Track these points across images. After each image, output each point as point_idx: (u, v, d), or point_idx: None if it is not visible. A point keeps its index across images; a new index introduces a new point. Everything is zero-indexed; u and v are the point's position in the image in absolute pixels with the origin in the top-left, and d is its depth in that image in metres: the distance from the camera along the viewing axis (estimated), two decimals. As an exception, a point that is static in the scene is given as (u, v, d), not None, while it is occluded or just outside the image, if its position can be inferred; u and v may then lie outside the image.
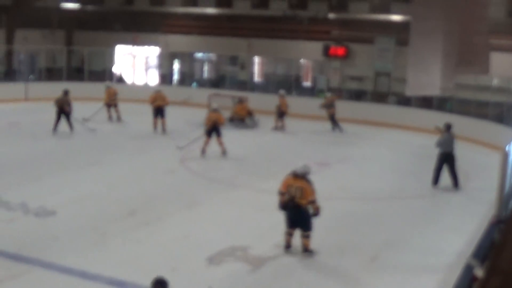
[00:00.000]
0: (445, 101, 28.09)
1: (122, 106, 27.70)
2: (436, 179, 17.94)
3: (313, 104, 29.75)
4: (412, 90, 5.34)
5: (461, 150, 23.82)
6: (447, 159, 17.75)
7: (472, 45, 5.70)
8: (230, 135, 24.90)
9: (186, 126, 26.51)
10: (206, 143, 20.81)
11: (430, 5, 5.19)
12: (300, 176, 12.36)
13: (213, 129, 20.81)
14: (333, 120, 27.12)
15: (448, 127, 18.01)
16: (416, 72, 5.39)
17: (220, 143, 20.78)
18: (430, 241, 13.33)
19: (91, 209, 14.32)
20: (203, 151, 20.72)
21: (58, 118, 23.51)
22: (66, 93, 24.09)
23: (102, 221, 13.47)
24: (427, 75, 5.43)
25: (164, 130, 24.46)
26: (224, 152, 20.77)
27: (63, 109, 23.64)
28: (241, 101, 27.52)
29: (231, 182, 17.52)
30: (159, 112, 24.61)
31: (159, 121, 24.60)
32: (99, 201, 15.09)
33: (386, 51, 31.01)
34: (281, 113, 26.81)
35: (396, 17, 30.22)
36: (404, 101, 28.68)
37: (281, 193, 12.37)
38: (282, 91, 27.50)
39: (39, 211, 13.71)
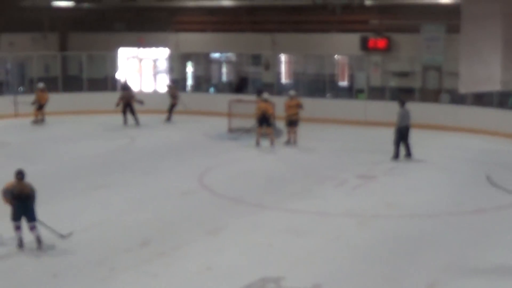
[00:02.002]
0: (507, 96, 27.87)
1: (128, 117, 27.88)
2: (397, 154, 22.50)
3: (352, 107, 29.78)
4: (466, 86, 5.29)
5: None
6: (405, 132, 22.44)
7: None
8: (251, 145, 24.98)
9: (205, 139, 26.59)
10: (259, 134, 24.54)
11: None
12: None
13: (263, 119, 24.41)
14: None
15: (402, 102, 22.87)
16: (471, 64, 5.34)
17: (269, 133, 24.52)
18: (496, 263, 13.19)
19: (97, 240, 14.35)
20: (258, 143, 24.52)
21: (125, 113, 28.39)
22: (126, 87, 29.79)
23: (110, 253, 13.48)
24: (485, 68, 5.37)
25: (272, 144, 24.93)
26: (272, 143, 24.55)
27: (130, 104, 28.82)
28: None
29: (258, 203, 17.48)
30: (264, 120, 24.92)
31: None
32: (107, 230, 15.13)
33: (435, 41, 30.87)
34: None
35: (445, 0, 30.10)
36: (459, 98, 28.51)
37: None
38: (292, 92, 26.76)
39: (35, 246, 13.73)
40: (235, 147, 25.02)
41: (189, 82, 38.32)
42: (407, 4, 32.03)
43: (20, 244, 13.65)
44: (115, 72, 37.47)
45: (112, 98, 30.62)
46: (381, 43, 32.41)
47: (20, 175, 13.77)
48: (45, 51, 36.52)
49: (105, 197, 17.96)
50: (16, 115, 31.10)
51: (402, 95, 23.57)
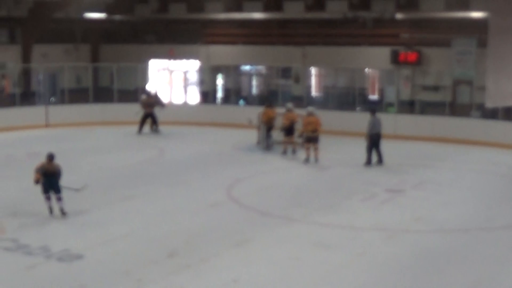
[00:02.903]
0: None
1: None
2: (369, 160, 23.72)
3: (382, 120, 29.67)
4: (493, 100, 5.21)
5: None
6: (377, 139, 23.75)
7: None
8: (280, 157, 24.97)
9: (234, 151, 26.61)
10: (287, 143, 25.60)
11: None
12: None
13: (291, 129, 25.52)
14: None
15: (373, 111, 24.60)
16: (498, 78, 5.26)
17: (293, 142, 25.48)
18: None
19: (123, 251, 14.37)
20: (285, 152, 25.58)
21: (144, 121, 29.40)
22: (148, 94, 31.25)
23: (136, 265, 13.49)
24: (512, 82, 5.29)
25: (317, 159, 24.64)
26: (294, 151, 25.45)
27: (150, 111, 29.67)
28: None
29: (286, 216, 17.42)
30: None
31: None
32: (133, 241, 15.14)
33: (467, 55, 30.66)
34: (289, 130, 25.86)
35: (477, 14, 29.84)
36: (490, 113, 28.27)
37: None
38: (289, 104, 26.86)
39: (63, 255, 13.81)
40: (264, 159, 24.99)
41: (219, 94, 38.36)
42: (438, 18, 31.89)
43: (50, 211, 16.87)
44: (145, 83, 37.64)
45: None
46: (412, 56, 32.26)
47: (50, 157, 17.12)
48: (77, 62, 36.81)
49: (133, 208, 17.99)
50: (47, 125, 31.30)
51: (371, 106, 26.59)
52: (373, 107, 25.94)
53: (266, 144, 26.66)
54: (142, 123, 30.22)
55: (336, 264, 13.66)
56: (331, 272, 13.29)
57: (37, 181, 16.94)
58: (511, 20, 5.62)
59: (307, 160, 24.26)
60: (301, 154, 24.85)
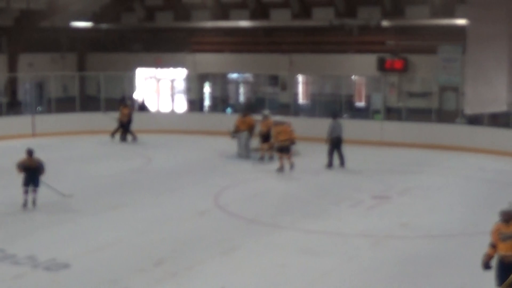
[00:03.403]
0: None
1: (145, 137, 27.98)
2: (330, 163, 24.57)
3: (368, 127, 29.80)
4: (472, 107, 5.29)
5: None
6: (337, 142, 24.48)
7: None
8: (267, 165, 25.04)
9: (221, 159, 26.64)
10: (266, 149, 25.83)
11: (489, 6, 5.17)
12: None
13: (268, 135, 25.57)
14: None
15: (334, 115, 25.57)
16: (477, 85, 5.35)
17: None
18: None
19: (110, 260, 14.38)
20: (262, 158, 25.99)
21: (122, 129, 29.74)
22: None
23: (123, 273, 13.49)
24: (490, 89, 5.38)
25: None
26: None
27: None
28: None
29: (273, 223, 17.46)
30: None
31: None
32: (120, 250, 15.16)
33: (452, 62, 30.82)
34: (266, 137, 26.11)
35: (462, 21, 30.00)
36: (476, 119, 28.41)
37: (492, 246, 11.51)
38: (266, 111, 27.33)
39: (50, 265, 13.80)
40: (251, 167, 25.04)
41: (207, 102, 38.40)
42: (424, 25, 32.04)
43: (25, 204, 18.37)
44: (132, 92, 37.67)
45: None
46: (398, 64, 32.39)
47: (29, 152, 18.70)
48: (64, 71, 36.78)
49: (120, 217, 18.01)
50: (34, 135, 31.26)
51: (333, 110, 28.08)
52: (335, 112, 27.17)
53: (247, 152, 26.64)
54: (121, 130, 30.59)
55: (323, 270, 13.70)
56: (318, 278, 13.33)
57: (19, 171, 18.66)
58: (489, 28, 5.67)
59: (280, 170, 23.78)
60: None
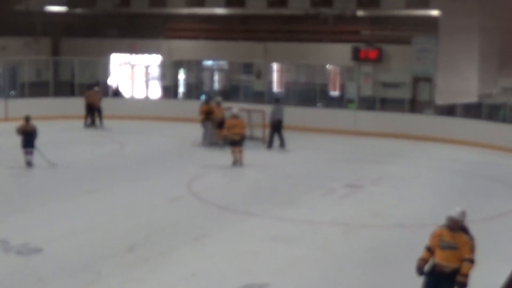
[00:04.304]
0: (497, 108, 27.99)
1: (119, 123, 27.92)
2: (270, 143, 26.20)
3: (342, 117, 29.92)
4: (443, 97, 5.39)
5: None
6: (278, 125, 26.08)
7: (519, 44, 5.74)
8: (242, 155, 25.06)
9: (195, 146, 26.60)
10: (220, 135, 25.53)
11: (461, -2, 5.27)
12: (457, 227, 10.68)
13: (223, 122, 25.05)
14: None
15: (276, 100, 28.04)
16: (448, 76, 5.44)
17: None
18: (482, 275, 13.23)
19: (83, 245, 14.39)
20: (216, 143, 26.19)
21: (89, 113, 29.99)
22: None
23: (96, 259, 13.50)
24: (462, 80, 5.48)
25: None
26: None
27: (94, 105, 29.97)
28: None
29: (246, 210, 17.54)
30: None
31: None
32: (93, 235, 15.15)
33: (426, 53, 30.97)
34: (221, 123, 25.98)
35: (436, 13, 30.16)
36: (448, 110, 28.63)
37: (428, 249, 10.89)
38: (218, 98, 27.90)
39: (22, 249, 13.80)
40: (224, 155, 25.06)
41: (181, 89, 38.32)
42: (399, 15, 32.18)
43: (27, 164, 21.40)
44: (107, 77, 37.52)
45: (103, 104, 30.82)
46: (373, 53, 32.52)
47: (27, 118, 21.74)
48: (37, 56, 36.51)
49: (93, 202, 17.98)
50: (6, 119, 31.07)
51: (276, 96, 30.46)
52: (277, 97, 30.15)
53: (212, 140, 26.62)
54: (91, 115, 30.67)
55: (295, 257, 13.81)
56: (290, 265, 13.43)
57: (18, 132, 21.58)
58: (461, 20, 5.79)
59: (234, 163, 23.09)
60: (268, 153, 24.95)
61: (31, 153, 21.40)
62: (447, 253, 10.47)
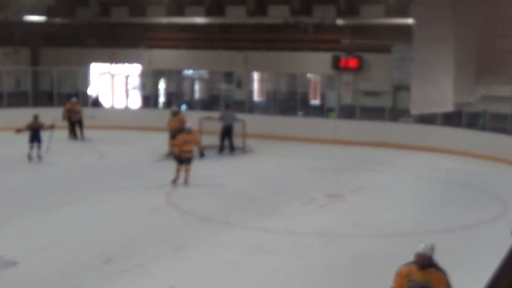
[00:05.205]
0: (476, 117, 28.03)
1: (99, 133, 27.72)
2: (220, 149, 26.79)
3: (322, 125, 29.87)
4: (417, 107, 5.28)
5: (497, 174, 23.86)
6: (227, 130, 26.86)
7: (496, 51, 5.64)
8: (221, 162, 24.97)
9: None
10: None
11: (435, 6, 5.15)
12: (428, 263, 9.55)
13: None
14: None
15: (226, 106, 29.03)
16: (423, 85, 5.33)
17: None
18: (462, 284, 13.18)
19: (60, 257, 14.21)
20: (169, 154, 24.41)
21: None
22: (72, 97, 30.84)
23: (73, 271, 13.36)
24: (437, 89, 5.37)
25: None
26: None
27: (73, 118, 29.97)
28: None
29: (225, 221, 17.41)
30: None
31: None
32: (70, 247, 14.98)
33: (406, 61, 30.98)
34: (173, 134, 24.79)
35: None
36: (428, 118, 28.64)
37: None
38: (174, 108, 28.02)
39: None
40: (204, 165, 24.91)
41: (161, 98, 38.16)
42: (379, 24, 32.22)
43: (30, 157, 24.19)
44: (86, 87, 37.33)
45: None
46: (353, 62, 32.52)
47: (35, 117, 24.69)
48: (16, 66, 36.31)
49: (71, 214, 17.79)
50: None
51: (228, 103, 30.84)
52: (228, 103, 30.58)
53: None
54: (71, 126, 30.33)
55: (275, 268, 13.70)
56: (270, 276, 13.33)
57: (18, 131, 24.42)
58: (436, 28, 5.70)
59: (174, 182, 21.11)
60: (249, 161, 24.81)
61: (38, 147, 24.26)
62: None
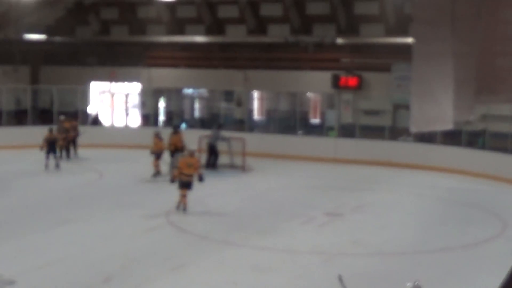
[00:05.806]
0: (476, 135, 28.02)
1: (98, 152, 27.67)
2: (206, 165, 27.00)
3: (322, 144, 29.84)
4: (417, 125, 5.23)
5: (497, 193, 23.82)
6: (210, 149, 27.75)
7: (495, 70, 5.60)
8: (220, 181, 24.90)
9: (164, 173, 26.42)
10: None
11: (434, 24, 5.11)
12: None
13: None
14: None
15: (219, 126, 29.23)
16: (422, 103, 5.29)
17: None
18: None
19: (58, 277, 14.13)
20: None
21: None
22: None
23: (71, 290, 13.29)
24: (436, 107, 5.32)
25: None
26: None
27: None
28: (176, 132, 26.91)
29: (225, 240, 17.35)
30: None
31: None
32: (68, 266, 14.90)
33: (406, 80, 30.97)
34: (158, 155, 25.67)
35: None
36: (428, 137, 28.61)
37: None
38: (157, 130, 27.76)
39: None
40: (204, 183, 24.84)
41: (161, 117, 38.16)
42: (378, 43, 32.27)
43: (46, 167, 26.08)
44: (86, 106, 37.35)
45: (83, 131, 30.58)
46: (352, 81, 32.54)
47: (50, 130, 26.68)
48: (16, 84, 36.32)
49: (70, 233, 17.72)
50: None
51: (219, 122, 31.48)
52: (220, 123, 30.99)
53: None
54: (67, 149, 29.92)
55: (274, 287, 13.64)
56: (268, 296, 13.26)
57: (41, 148, 26.15)
58: (435, 46, 5.71)
59: (178, 208, 20.13)
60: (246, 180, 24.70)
61: (54, 157, 26.25)
62: None
